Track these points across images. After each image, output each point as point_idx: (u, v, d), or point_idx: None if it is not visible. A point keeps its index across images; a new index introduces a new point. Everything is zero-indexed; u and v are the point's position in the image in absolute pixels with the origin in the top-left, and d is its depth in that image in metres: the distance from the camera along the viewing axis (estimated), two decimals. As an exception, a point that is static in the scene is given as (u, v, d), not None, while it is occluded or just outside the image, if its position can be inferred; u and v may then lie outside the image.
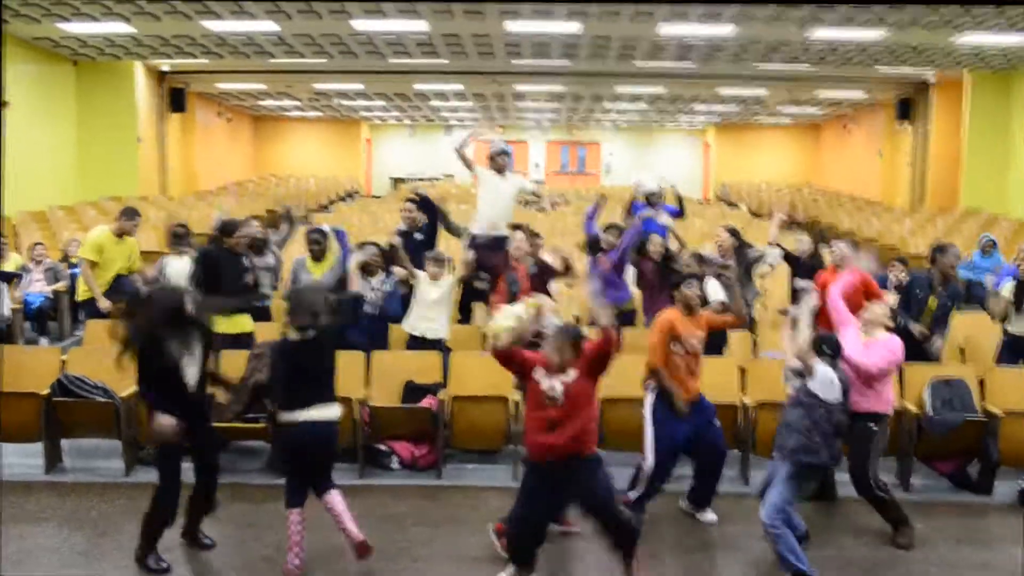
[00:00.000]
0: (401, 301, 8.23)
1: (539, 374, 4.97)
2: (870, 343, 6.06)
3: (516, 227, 8.71)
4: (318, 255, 8.57)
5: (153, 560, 5.52)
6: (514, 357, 5.08)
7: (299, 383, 5.34)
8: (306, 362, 5.36)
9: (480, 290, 8.89)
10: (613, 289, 8.67)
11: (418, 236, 9.04)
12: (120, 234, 9.36)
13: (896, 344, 6.11)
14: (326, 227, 8.87)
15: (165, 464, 5.50)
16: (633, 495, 6.08)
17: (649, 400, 6.21)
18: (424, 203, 9.23)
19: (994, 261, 12.34)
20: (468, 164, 9.07)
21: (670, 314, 6.24)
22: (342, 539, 5.49)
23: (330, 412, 5.40)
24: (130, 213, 9.50)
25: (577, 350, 4.96)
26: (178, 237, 9.30)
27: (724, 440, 6.44)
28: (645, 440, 6.10)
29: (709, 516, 6.43)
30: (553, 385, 4.90)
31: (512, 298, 8.10)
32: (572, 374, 4.92)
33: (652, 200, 9.99)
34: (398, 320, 8.20)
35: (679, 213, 10.37)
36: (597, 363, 4.96)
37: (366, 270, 8.10)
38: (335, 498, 5.48)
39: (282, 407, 5.37)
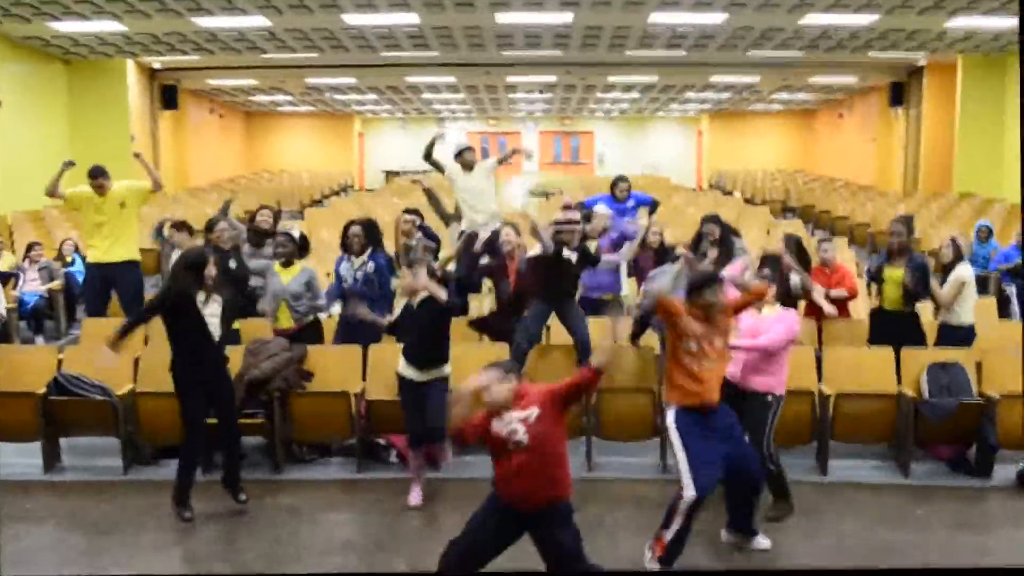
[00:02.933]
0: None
1: (495, 424, 4.34)
2: (764, 318, 6.03)
3: (509, 224, 8.64)
4: (286, 260, 7.97)
5: (178, 512, 6.11)
6: (469, 433, 4.46)
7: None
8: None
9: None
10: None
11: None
12: (98, 192, 9.31)
13: (792, 317, 6.13)
14: (295, 231, 8.64)
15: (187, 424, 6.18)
16: (668, 535, 5.13)
17: (671, 417, 5.32)
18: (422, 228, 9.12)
19: (990, 248, 12.36)
20: (439, 168, 9.16)
21: (682, 306, 5.33)
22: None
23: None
24: (92, 173, 9.40)
25: (519, 378, 4.43)
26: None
27: (758, 461, 5.66)
28: (679, 467, 5.19)
29: (762, 542, 5.68)
30: (514, 428, 4.29)
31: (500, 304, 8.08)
32: (533, 411, 4.31)
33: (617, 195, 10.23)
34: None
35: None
36: (569, 399, 4.45)
37: (347, 249, 8.02)
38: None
39: None
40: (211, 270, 6.02)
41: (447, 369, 6.47)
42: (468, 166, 9.23)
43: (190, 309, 5.96)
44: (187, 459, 6.21)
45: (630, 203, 10.39)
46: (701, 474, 5.09)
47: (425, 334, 6.31)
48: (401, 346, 6.65)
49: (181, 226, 9.19)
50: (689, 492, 5.06)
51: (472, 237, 8.36)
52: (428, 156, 9.30)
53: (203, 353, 6.09)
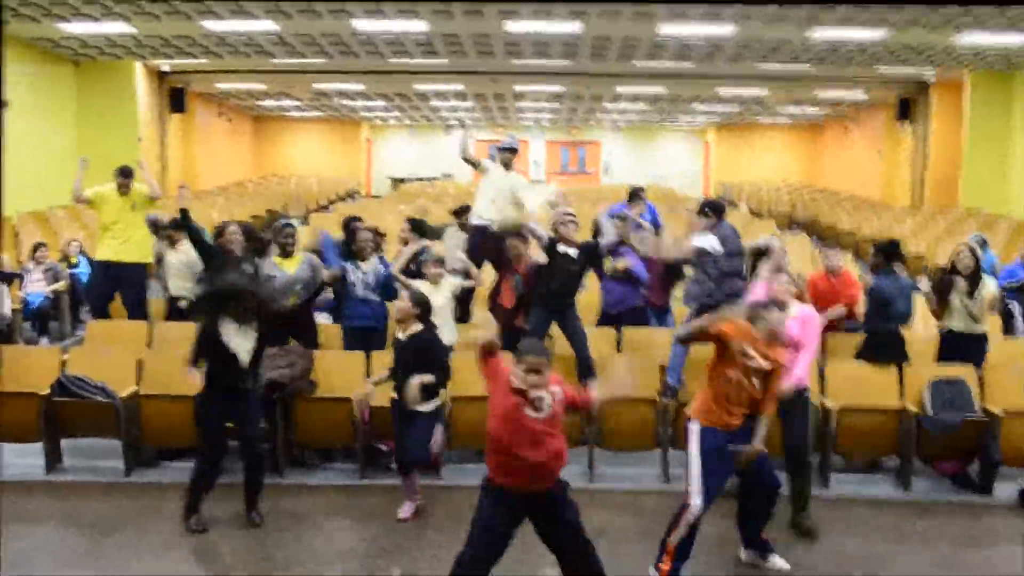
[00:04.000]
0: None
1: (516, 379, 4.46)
2: (798, 320, 6.10)
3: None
4: (289, 250, 7.96)
5: (193, 521, 6.06)
6: (494, 366, 4.61)
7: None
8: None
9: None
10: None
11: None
12: (122, 190, 9.46)
13: (814, 315, 6.36)
14: (295, 221, 8.69)
15: (204, 434, 6.22)
16: (673, 541, 5.13)
17: (695, 429, 5.29)
18: (419, 228, 9.11)
19: (987, 260, 12.32)
20: (475, 163, 9.10)
21: (741, 324, 5.28)
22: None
23: None
24: (124, 172, 9.53)
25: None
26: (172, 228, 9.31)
27: (774, 473, 5.56)
28: (691, 477, 5.22)
29: (779, 562, 5.61)
30: (542, 396, 4.44)
31: (519, 300, 8.05)
32: (556, 389, 4.50)
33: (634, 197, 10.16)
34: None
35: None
36: (569, 407, 4.63)
37: (358, 255, 8.03)
38: None
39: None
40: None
41: (435, 403, 6.32)
42: (508, 165, 9.18)
43: (216, 346, 6.03)
44: (196, 473, 6.21)
45: (647, 216, 10.36)
46: (710, 487, 5.16)
47: (410, 369, 6.14)
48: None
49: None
50: (696, 501, 5.11)
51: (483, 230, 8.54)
52: (465, 154, 9.21)
53: (232, 385, 6.11)
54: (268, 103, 29.80)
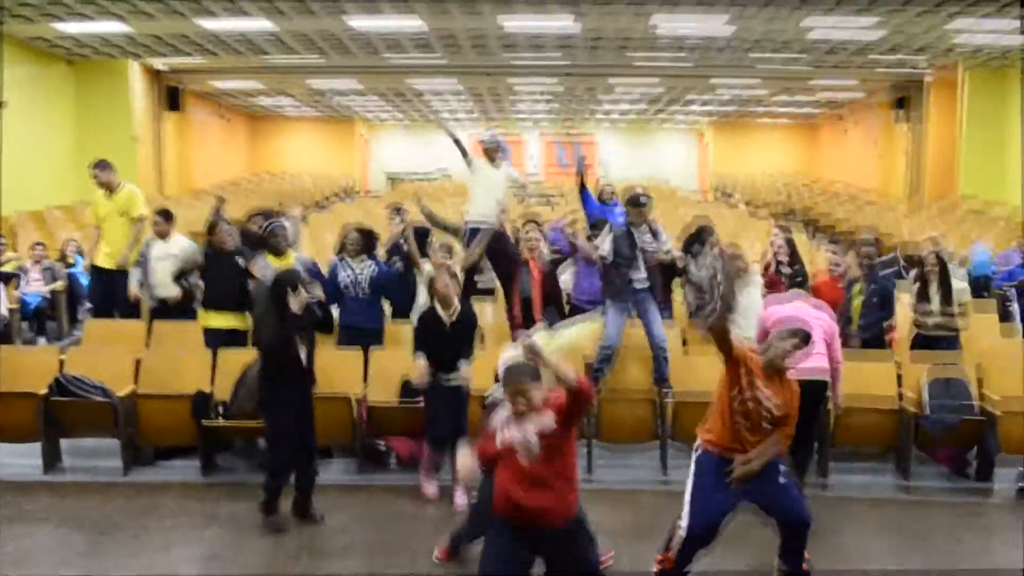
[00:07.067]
0: (400, 282, 8.11)
1: (505, 432, 4.15)
2: (801, 308, 6.13)
3: (531, 221, 8.71)
4: (279, 250, 7.84)
5: (272, 520, 6.04)
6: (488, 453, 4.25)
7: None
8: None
9: (477, 285, 8.91)
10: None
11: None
12: (104, 188, 9.31)
13: (826, 305, 6.40)
14: (286, 221, 8.56)
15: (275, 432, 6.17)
16: (671, 555, 5.06)
17: (696, 456, 5.10)
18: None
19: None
20: (464, 151, 8.97)
21: (748, 351, 4.98)
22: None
23: None
24: (100, 165, 9.34)
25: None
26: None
27: (804, 505, 5.17)
28: (685, 501, 5.02)
29: None
30: (527, 436, 4.08)
31: (526, 304, 8.00)
32: (548, 419, 4.10)
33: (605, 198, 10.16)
34: (399, 302, 8.19)
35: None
36: (573, 414, 4.15)
37: (348, 253, 7.90)
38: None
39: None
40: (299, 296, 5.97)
41: (462, 375, 6.51)
42: (493, 160, 9.14)
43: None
44: (270, 470, 6.16)
45: (617, 209, 10.28)
46: (699, 515, 4.92)
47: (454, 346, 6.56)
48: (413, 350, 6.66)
49: (166, 215, 8.89)
50: (683, 526, 4.95)
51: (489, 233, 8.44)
52: (456, 140, 9.17)
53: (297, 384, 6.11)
54: (264, 101, 29.79)
